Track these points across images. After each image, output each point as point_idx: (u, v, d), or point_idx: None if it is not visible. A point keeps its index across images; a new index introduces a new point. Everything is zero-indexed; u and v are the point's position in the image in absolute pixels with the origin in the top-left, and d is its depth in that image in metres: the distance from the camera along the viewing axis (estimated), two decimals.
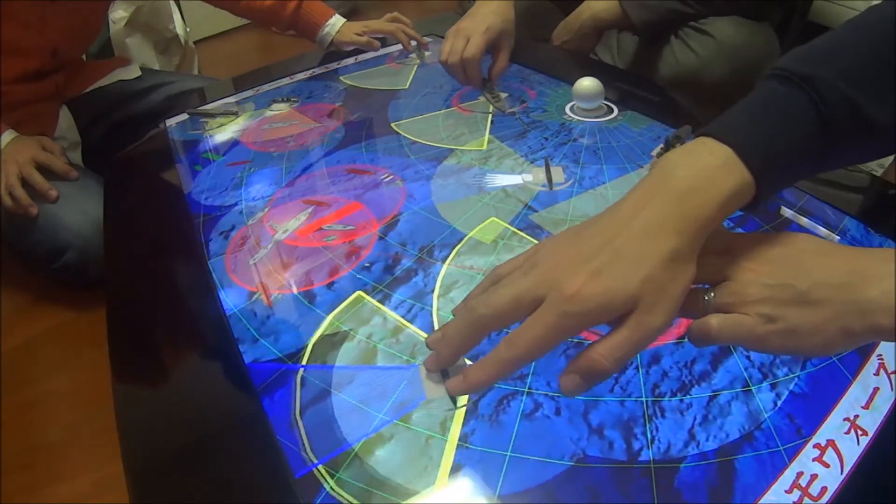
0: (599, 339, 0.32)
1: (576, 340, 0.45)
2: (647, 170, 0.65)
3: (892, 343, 0.35)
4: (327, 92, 0.94)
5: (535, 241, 0.57)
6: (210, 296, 0.55)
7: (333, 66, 1.03)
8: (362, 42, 1.07)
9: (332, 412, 0.43)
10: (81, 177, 1.02)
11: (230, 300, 0.54)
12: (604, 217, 0.34)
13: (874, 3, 0.37)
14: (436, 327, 0.49)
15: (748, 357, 0.44)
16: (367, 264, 0.56)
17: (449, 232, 0.59)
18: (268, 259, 0.59)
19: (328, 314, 0.51)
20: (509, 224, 0.59)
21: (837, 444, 0.38)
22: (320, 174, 0.72)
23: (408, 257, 0.56)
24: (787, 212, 0.57)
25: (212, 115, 0.91)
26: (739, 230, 0.56)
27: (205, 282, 0.57)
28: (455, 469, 0.38)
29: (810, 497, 0.35)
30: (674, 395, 0.42)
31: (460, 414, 0.41)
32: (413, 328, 0.49)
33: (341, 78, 0.98)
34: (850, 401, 0.40)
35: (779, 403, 0.41)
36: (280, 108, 0.90)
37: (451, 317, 0.37)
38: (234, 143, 0.82)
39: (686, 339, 0.38)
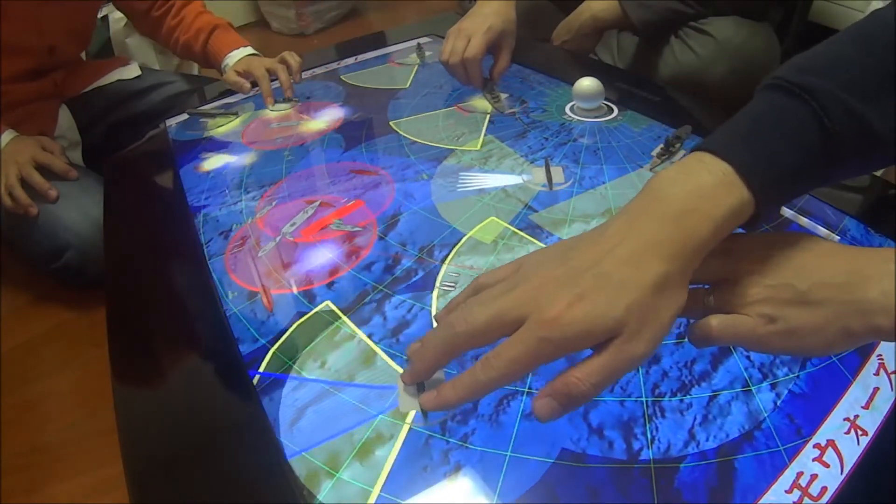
0: (578, 363, 0.31)
1: None
2: (648, 170, 0.65)
3: (892, 343, 0.35)
4: (327, 92, 0.94)
5: (535, 241, 0.57)
6: (210, 296, 0.55)
7: (334, 66, 1.03)
8: (232, 81, 0.98)
9: (332, 412, 0.43)
10: (81, 176, 1.02)
11: (230, 300, 0.54)
12: (592, 236, 0.33)
13: (874, 3, 0.37)
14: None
15: (748, 357, 0.44)
16: (366, 264, 0.56)
17: (449, 232, 0.59)
18: (267, 258, 0.59)
19: (328, 314, 0.51)
20: (509, 224, 0.59)
21: (837, 444, 0.38)
22: (320, 174, 0.72)
23: (408, 257, 0.56)
24: (787, 212, 0.57)
25: (212, 115, 0.91)
26: (739, 230, 0.56)
27: (204, 282, 0.57)
28: (455, 469, 0.38)
29: (810, 497, 0.35)
30: (674, 395, 0.42)
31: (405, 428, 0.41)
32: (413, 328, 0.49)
33: (342, 77, 0.98)
34: (850, 401, 0.40)
35: (779, 403, 0.41)
36: (280, 108, 0.91)
37: None
38: (233, 143, 0.82)
39: (686, 339, 0.38)
